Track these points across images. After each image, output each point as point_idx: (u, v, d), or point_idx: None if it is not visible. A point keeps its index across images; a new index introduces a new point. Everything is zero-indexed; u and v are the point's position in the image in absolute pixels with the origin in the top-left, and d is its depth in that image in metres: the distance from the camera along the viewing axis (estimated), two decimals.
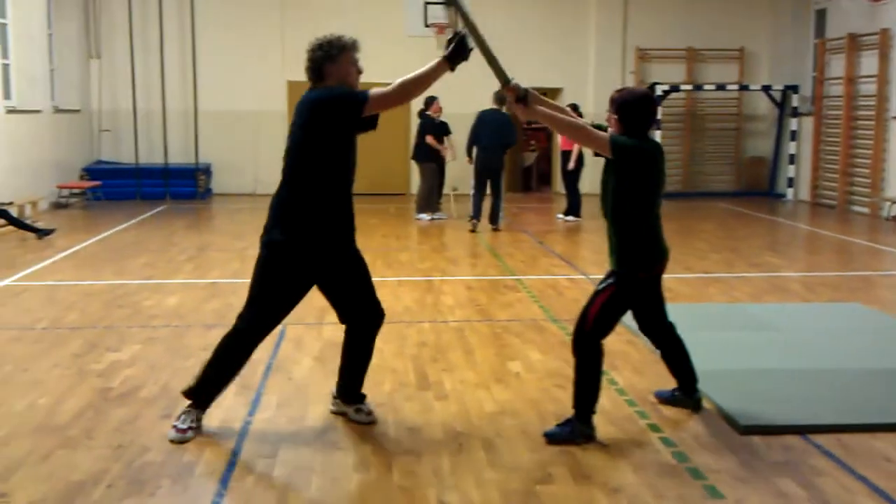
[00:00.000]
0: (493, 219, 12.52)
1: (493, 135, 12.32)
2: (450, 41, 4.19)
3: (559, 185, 15.94)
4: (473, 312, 7.24)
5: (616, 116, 4.32)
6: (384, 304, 7.34)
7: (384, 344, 6.14)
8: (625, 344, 6.08)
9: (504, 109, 12.28)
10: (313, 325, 6.71)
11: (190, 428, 4.38)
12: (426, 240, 11.67)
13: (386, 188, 17.13)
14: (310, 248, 4.31)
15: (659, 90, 16.48)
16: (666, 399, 4.92)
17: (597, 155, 4.42)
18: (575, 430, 4.35)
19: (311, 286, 4.48)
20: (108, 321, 6.79)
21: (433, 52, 17.15)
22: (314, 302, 7.48)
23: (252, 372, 5.46)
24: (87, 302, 7.51)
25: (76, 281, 8.48)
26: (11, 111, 13.19)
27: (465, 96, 14.04)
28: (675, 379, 4.84)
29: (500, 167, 12.57)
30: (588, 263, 9.58)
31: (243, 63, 16.86)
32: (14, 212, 11.52)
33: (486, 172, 12.47)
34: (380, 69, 16.66)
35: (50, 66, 15.21)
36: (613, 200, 4.36)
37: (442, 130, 13.65)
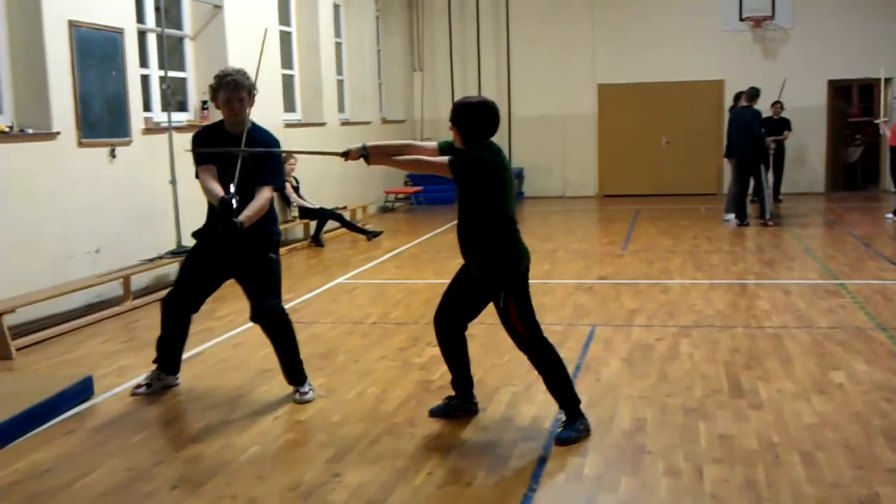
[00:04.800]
0: (762, 213, 12.52)
1: (741, 131, 12.41)
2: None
3: (888, 181, 14.74)
4: (791, 318, 6.89)
5: (454, 127, 4.39)
6: (695, 308, 7.23)
7: (694, 349, 6.03)
8: None
9: (754, 105, 12.50)
10: (622, 327, 6.72)
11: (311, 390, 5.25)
12: (739, 241, 11.24)
13: (696, 188, 16.81)
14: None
15: None
16: (440, 410, 4.81)
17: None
18: (580, 427, 4.43)
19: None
20: (430, 317, 7.19)
21: (749, 47, 16.70)
22: (624, 304, 7.53)
23: None
24: (411, 299, 8.04)
25: (400, 280, 9.11)
26: (345, 123, 14.40)
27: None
28: (454, 386, 4.81)
29: (756, 162, 12.51)
30: None
31: (554, 69, 17.19)
32: (347, 216, 12.55)
33: (745, 169, 12.44)
34: (695, 65, 16.51)
35: (378, 80, 16.39)
36: (464, 213, 4.42)
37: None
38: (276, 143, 5.22)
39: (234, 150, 4.93)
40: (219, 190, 4.86)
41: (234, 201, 4.74)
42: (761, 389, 5.13)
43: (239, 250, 5.04)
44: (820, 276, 8.65)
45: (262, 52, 5.72)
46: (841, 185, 17.07)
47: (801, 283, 8.38)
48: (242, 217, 4.81)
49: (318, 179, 12.51)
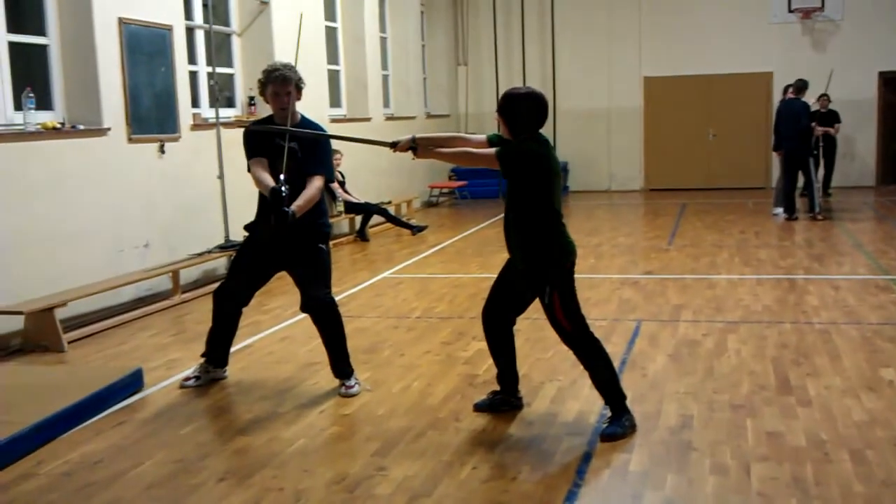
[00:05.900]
0: (811, 207, 12.37)
1: (788, 123, 12.31)
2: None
3: None
4: (841, 314, 6.79)
5: (501, 118, 4.36)
6: (743, 303, 7.16)
7: (741, 345, 5.97)
8: None
9: (802, 97, 12.34)
10: (668, 323, 6.68)
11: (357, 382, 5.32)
12: (787, 236, 11.09)
13: (744, 182, 16.61)
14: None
15: None
16: (485, 405, 4.81)
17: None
18: (625, 423, 4.40)
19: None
20: (474, 312, 7.21)
21: (798, 39, 16.44)
22: (670, 299, 7.47)
23: None
24: (455, 294, 8.05)
25: (445, 274, 9.13)
26: (390, 118, 14.44)
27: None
28: (499, 381, 4.81)
29: (804, 154, 12.37)
30: None
31: (600, 62, 17.09)
32: (392, 210, 12.59)
33: (793, 162, 12.33)
34: (742, 58, 16.30)
35: (423, 75, 16.41)
36: (512, 206, 4.40)
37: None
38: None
39: (282, 128, 5.00)
40: (270, 181, 4.92)
41: (284, 190, 4.79)
42: (810, 386, 5.07)
43: (290, 241, 5.10)
44: (870, 271, 8.51)
45: (299, 38, 5.72)
46: (891, 179, 16.75)
47: (851, 278, 8.25)
48: (294, 206, 4.86)
49: (362, 174, 12.57)
